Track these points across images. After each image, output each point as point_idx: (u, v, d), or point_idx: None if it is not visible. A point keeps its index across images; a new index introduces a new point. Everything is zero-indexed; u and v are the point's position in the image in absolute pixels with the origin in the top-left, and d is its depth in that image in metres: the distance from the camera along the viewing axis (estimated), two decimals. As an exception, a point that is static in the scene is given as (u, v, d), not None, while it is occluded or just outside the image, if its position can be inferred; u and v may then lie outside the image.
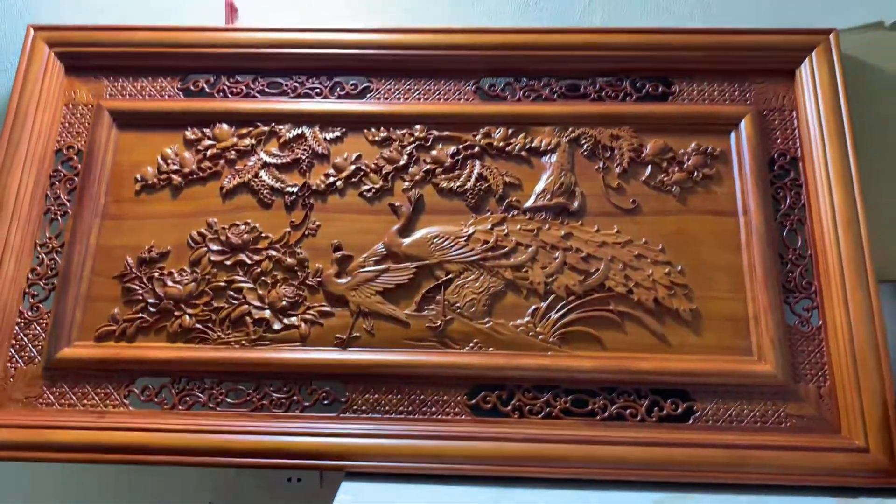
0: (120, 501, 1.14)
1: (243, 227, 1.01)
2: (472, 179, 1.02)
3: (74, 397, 0.94)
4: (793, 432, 0.90)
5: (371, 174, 1.03)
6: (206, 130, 1.06)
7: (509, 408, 0.92)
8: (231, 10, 1.14)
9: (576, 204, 1.01)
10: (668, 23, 1.12)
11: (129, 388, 0.95)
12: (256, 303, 0.98)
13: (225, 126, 1.06)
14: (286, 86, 1.07)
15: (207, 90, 1.08)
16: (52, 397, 0.94)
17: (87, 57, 1.08)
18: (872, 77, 1.05)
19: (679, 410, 0.91)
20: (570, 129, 1.04)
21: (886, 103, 1.04)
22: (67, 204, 1.02)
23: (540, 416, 0.92)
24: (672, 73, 1.06)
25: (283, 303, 0.97)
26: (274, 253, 1.00)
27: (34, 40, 1.07)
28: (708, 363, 0.93)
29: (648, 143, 1.03)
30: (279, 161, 1.04)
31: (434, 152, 1.04)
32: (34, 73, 1.06)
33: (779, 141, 1.02)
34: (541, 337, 0.95)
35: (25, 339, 0.97)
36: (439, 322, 0.96)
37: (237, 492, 1.13)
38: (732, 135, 1.03)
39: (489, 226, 1.00)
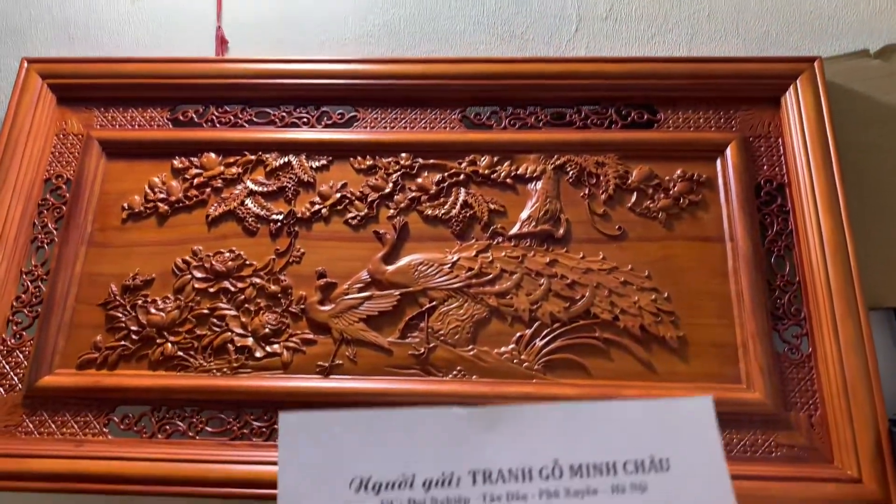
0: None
1: (228, 254, 1.01)
2: (457, 207, 1.02)
3: (54, 425, 0.93)
4: (783, 462, 0.87)
5: (356, 202, 1.03)
6: (194, 159, 1.07)
7: (493, 437, 0.90)
8: (221, 43, 1.16)
9: (561, 231, 1.00)
10: (653, 51, 1.13)
11: (108, 417, 0.94)
12: (239, 330, 0.97)
13: (212, 155, 1.07)
14: (274, 115, 1.09)
15: (196, 120, 1.09)
16: (31, 426, 0.93)
17: (79, 88, 1.10)
18: (857, 105, 1.05)
19: (666, 440, 0.89)
20: (556, 157, 1.04)
21: (871, 130, 1.04)
22: (54, 232, 1.03)
23: (524, 445, 0.90)
24: (657, 101, 1.06)
25: (266, 330, 0.96)
26: (258, 280, 1.00)
27: (27, 72, 1.09)
28: (695, 391, 0.91)
29: (634, 169, 1.03)
30: (265, 189, 1.04)
31: (419, 180, 1.04)
32: (26, 104, 1.07)
33: (765, 167, 1.02)
34: (525, 364, 0.94)
35: (7, 367, 0.96)
36: (423, 349, 0.95)
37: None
38: (718, 161, 1.02)
39: (474, 253, 1.00)
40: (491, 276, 0.98)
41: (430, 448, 0.43)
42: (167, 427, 0.93)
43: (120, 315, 0.98)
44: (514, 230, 1.01)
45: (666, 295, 0.96)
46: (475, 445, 0.43)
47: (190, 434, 0.92)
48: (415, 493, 0.42)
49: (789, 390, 0.91)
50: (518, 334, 0.95)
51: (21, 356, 0.97)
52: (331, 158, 1.06)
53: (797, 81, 1.03)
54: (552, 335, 0.95)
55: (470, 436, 0.43)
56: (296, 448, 0.43)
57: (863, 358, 0.89)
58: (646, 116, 1.06)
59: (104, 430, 0.93)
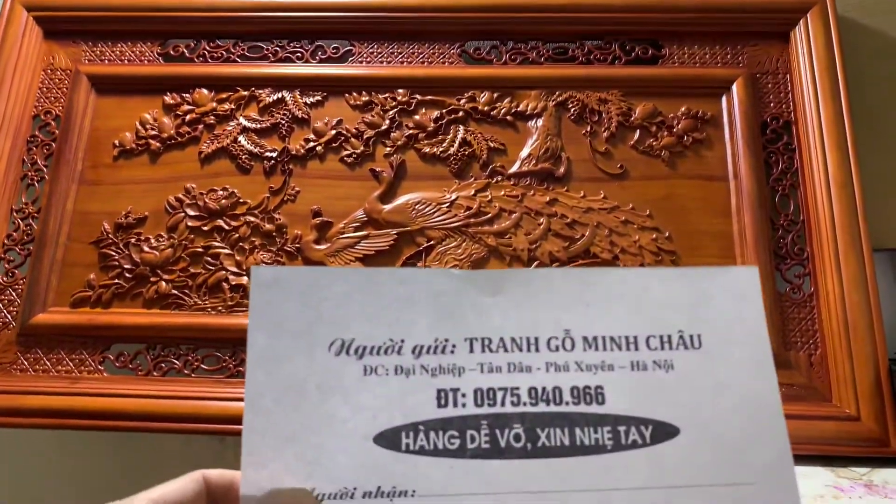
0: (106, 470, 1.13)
1: (221, 192, 0.99)
2: (456, 145, 1.00)
3: (48, 363, 0.93)
4: (783, 401, 0.86)
5: (352, 139, 1.01)
6: (186, 95, 1.04)
7: (490, 375, 0.90)
8: (212, -26, 1.12)
9: (562, 169, 0.98)
10: (659, -15, 1.09)
11: (103, 354, 0.93)
12: (234, 269, 0.96)
13: (204, 91, 1.04)
14: (267, 50, 1.05)
15: (187, 55, 1.06)
16: (26, 363, 0.93)
17: (66, 21, 1.07)
18: (869, 40, 1.02)
19: (665, 378, 0.89)
20: (558, 93, 1.01)
21: (883, 66, 1.01)
22: (44, 169, 1.01)
23: (521, 383, 0.89)
24: (663, 35, 1.03)
25: (261, 269, 0.95)
26: (252, 219, 0.98)
27: (12, 4, 1.06)
28: (695, 330, 0.90)
29: (637, 106, 1.00)
30: (258, 126, 1.02)
31: (417, 117, 1.01)
32: (12, 37, 1.04)
33: (772, 104, 0.99)
34: (523, 304, 0.92)
35: (0, 304, 0.95)
36: (420, 288, 0.93)
37: (224, 461, 1.11)
38: (724, 98, 0.99)
39: (472, 192, 0.98)
40: (489, 215, 0.97)
41: (422, 312, 0.38)
42: (163, 365, 0.92)
43: (113, 253, 0.97)
44: (514, 169, 0.99)
45: (667, 234, 0.95)
46: (474, 311, 0.38)
47: (185, 372, 0.92)
48: (403, 360, 0.37)
49: (790, 330, 0.90)
50: (516, 273, 0.94)
51: (14, 294, 0.96)
52: (325, 94, 1.03)
53: (807, 15, 1.00)
54: (551, 274, 0.93)
55: (468, 301, 0.39)
56: (269, 305, 0.38)
57: (865, 296, 0.88)
58: (651, 52, 1.02)
59: (99, 367, 0.92)
